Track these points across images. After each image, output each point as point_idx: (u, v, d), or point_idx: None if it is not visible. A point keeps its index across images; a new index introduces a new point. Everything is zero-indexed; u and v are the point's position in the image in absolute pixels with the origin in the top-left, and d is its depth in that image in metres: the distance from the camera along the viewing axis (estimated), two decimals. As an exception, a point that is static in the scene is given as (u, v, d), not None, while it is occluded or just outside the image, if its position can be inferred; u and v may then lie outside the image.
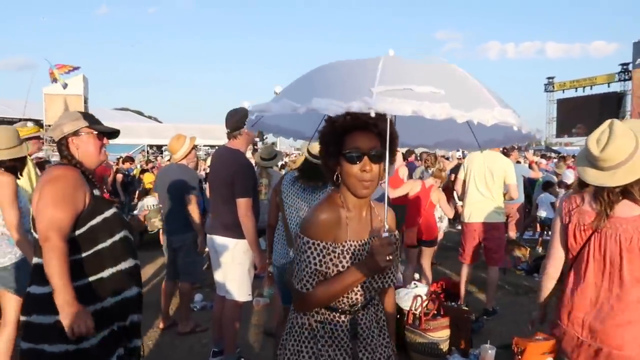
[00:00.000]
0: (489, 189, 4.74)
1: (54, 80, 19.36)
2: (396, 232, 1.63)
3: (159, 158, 16.13)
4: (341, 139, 1.47)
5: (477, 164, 4.84)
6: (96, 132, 2.12)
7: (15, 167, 3.08)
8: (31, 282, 2.03)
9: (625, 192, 1.88)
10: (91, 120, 2.13)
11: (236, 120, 3.31)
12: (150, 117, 51.20)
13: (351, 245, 1.53)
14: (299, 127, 2.17)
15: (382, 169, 1.50)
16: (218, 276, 3.50)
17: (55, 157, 11.11)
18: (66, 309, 1.82)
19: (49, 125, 17.85)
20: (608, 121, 1.92)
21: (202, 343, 4.03)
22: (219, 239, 3.38)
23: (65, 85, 19.74)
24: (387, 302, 1.83)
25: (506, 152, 7.82)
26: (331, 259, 1.50)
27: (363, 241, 1.56)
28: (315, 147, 3.12)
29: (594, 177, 1.93)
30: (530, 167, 8.71)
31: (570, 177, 4.93)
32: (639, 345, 1.84)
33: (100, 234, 2.02)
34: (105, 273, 2.00)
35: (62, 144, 2.09)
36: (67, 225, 1.92)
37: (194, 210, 4.08)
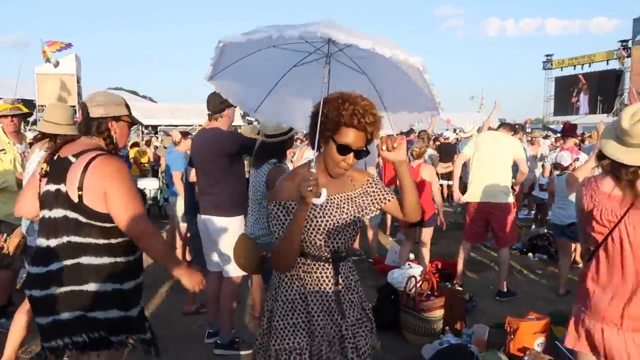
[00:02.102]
0: (496, 168, 4.71)
1: (47, 60, 18.87)
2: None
3: (153, 139, 15.97)
4: (338, 127, 1.64)
5: (487, 143, 4.82)
6: (130, 122, 2.18)
7: None
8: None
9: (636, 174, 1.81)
10: (129, 109, 2.18)
11: (219, 102, 3.32)
12: (144, 97, 50.69)
13: None
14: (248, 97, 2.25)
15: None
16: (213, 256, 3.51)
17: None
18: (184, 275, 2.15)
19: (42, 106, 17.41)
20: None
21: (197, 324, 4.04)
22: (212, 219, 3.38)
23: (57, 64, 19.21)
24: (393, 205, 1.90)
25: (515, 130, 7.80)
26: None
27: (330, 196, 1.74)
28: (269, 128, 3.16)
29: (612, 150, 1.86)
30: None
31: (567, 158, 4.80)
32: None
33: None
34: (132, 257, 2.08)
35: (102, 124, 2.08)
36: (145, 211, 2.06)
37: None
